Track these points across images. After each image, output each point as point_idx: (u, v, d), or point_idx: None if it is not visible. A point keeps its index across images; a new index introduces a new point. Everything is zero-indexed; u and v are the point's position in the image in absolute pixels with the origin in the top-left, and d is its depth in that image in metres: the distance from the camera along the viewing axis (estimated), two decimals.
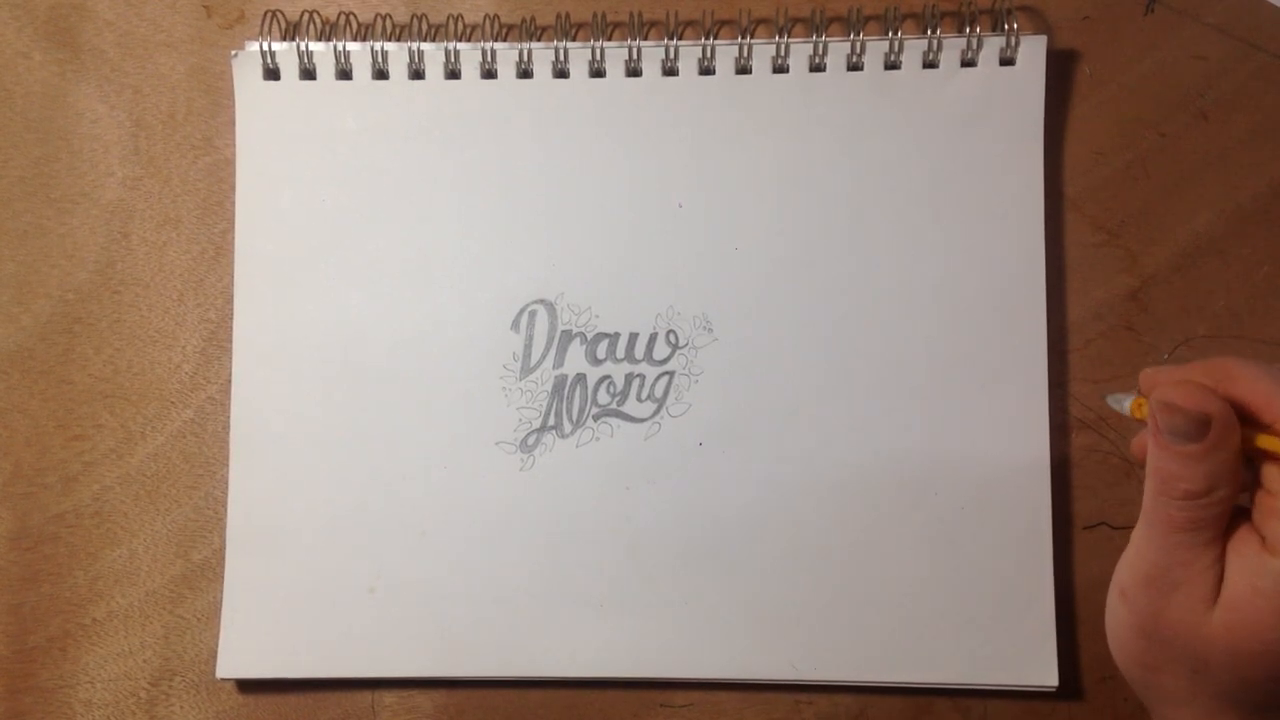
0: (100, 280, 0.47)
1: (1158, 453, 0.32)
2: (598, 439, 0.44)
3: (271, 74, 0.46)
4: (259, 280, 0.46)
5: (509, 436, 0.44)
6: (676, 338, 0.45)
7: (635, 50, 0.45)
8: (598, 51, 0.45)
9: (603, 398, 0.45)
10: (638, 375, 0.45)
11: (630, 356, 0.45)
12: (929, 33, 0.44)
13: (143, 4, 0.48)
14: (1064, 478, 0.44)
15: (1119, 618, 0.34)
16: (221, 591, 0.45)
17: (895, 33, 0.44)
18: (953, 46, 0.44)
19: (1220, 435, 0.31)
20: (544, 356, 0.45)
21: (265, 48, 0.45)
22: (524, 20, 0.46)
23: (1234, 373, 0.32)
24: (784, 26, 0.45)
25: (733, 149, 0.45)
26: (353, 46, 0.46)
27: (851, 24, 0.44)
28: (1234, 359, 0.33)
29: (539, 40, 0.46)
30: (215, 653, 0.44)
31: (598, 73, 0.45)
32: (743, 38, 0.44)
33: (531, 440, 0.44)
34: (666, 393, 0.44)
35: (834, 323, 0.44)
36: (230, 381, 0.45)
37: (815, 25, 0.45)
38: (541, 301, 0.45)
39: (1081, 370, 0.45)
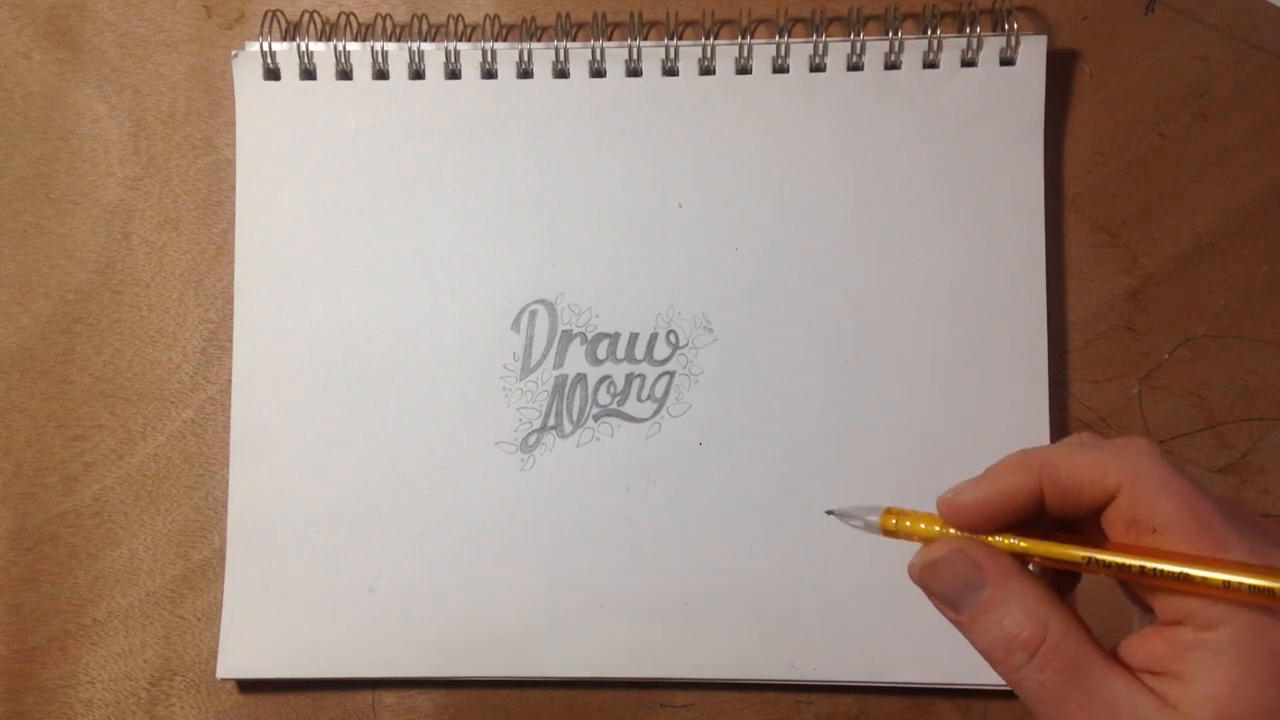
0: (100, 280, 0.47)
1: (972, 631, 0.27)
2: (598, 439, 0.44)
3: (272, 74, 0.46)
4: (259, 280, 0.46)
5: (509, 436, 0.44)
6: (676, 338, 0.45)
7: (635, 50, 0.45)
8: (598, 51, 0.45)
9: (603, 398, 0.45)
10: (638, 375, 0.45)
11: (630, 356, 0.45)
12: (929, 33, 0.44)
13: (143, 4, 0.48)
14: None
15: None
16: (221, 591, 0.45)
17: (895, 33, 0.44)
18: (953, 46, 0.44)
19: (1003, 565, 0.27)
20: (544, 356, 0.45)
21: (265, 48, 0.45)
22: (524, 20, 0.46)
23: (1045, 459, 0.27)
24: (784, 26, 0.45)
25: (733, 149, 0.45)
26: (353, 46, 0.46)
27: (851, 24, 0.44)
28: (1039, 449, 0.28)
29: (539, 40, 0.46)
30: (215, 653, 0.44)
31: (598, 73, 0.45)
32: (743, 38, 0.44)
33: (532, 440, 0.44)
34: (667, 393, 0.44)
35: (834, 323, 0.44)
36: (230, 381, 0.45)
37: (815, 25, 0.45)
38: (542, 301, 0.45)
39: (1081, 370, 0.45)
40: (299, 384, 0.45)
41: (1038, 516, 0.28)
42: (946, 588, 0.28)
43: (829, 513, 0.30)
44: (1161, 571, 0.25)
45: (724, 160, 0.45)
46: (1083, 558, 0.26)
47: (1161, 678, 0.26)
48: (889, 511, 0.29)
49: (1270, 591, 0.24)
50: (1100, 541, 0.27)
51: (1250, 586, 0.24)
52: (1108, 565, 0.26)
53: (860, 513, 0.29)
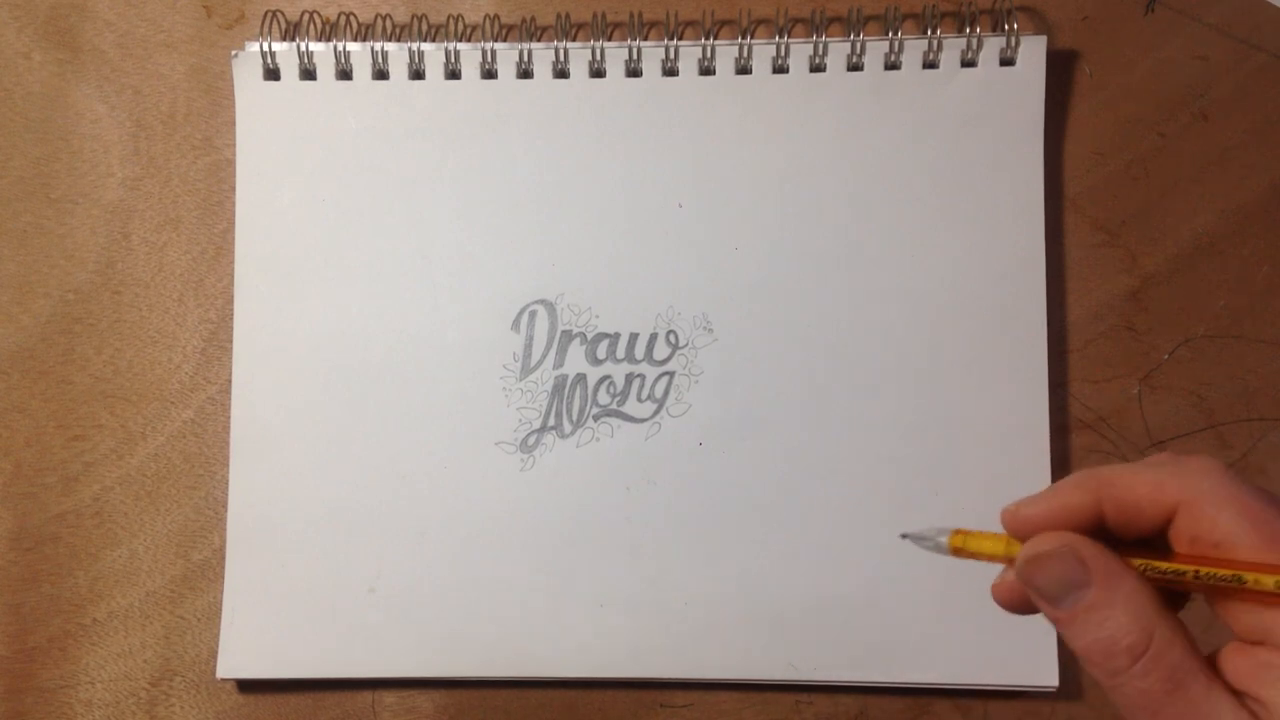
0: (100, 280, 0.47)
1: (1072, 629, 0.27)
2: (598, 439, 0.44)
3: (272, 74, 0.46)
4: (259, 280, 0.46)
5: (509, 437, 0.45)
6: (676, 338, 0.45)
7: (635, 50, 0.45)
8: (598, 52, 0.45)
9: (603, 398, 0.45)
10: (638, 375, 0.45)
11: (630, 357, 0.45)
12: (929, 33, 0.44)
13: (143, 4, 0.48)
14: (1064, 478, 0.44)
15: None
16: (221, 591, 0.45)
17: (895, 33, 0.44)
18: (953, 47, 0.44)
19: (1111, 566, 0.26)
20: (544, 357, 0.45)
21: (265, 48, 0.45)
22: (524, 20, 0.46)
23: (1104, 477, 0.27)
24: (784, 27, 0.45)
25: (733, 149, 0.45)
26: (353, 47, 0.46)
27: (851, 24, 0.44)
28: (1102, 467, 0.28)
29: (539, 40, 0.46)
30: (215, 653, 0.44)
31: (598, 73, 0.45)
32: (743, 38, 0.44)
33: (532, 440, 0.44)
34: (666, 393, 0.44)
35: (834, 323, 0.44)
36: (230, 381, 0.45)
37: (815, 25, 0.45)
38: (542, 301, 0.45)
39: (1081, 370, 0.45)
40: (299, 384, 0.45)
41: (1105, 534, 0.27)
42: (1050, 582, 0.27)
43: (904, 536, 0.31)
44: (1215, 575, 0.25)
45: (724, 160, 0.45)
46: (1140, 564, 0.26)
47: (1245, 698, 0.25)
48: (957, 532, 0.29)
49: None
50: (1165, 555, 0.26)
51: None
52: (1163, 572, 0.26)
53: (932, 534, 0.30)
